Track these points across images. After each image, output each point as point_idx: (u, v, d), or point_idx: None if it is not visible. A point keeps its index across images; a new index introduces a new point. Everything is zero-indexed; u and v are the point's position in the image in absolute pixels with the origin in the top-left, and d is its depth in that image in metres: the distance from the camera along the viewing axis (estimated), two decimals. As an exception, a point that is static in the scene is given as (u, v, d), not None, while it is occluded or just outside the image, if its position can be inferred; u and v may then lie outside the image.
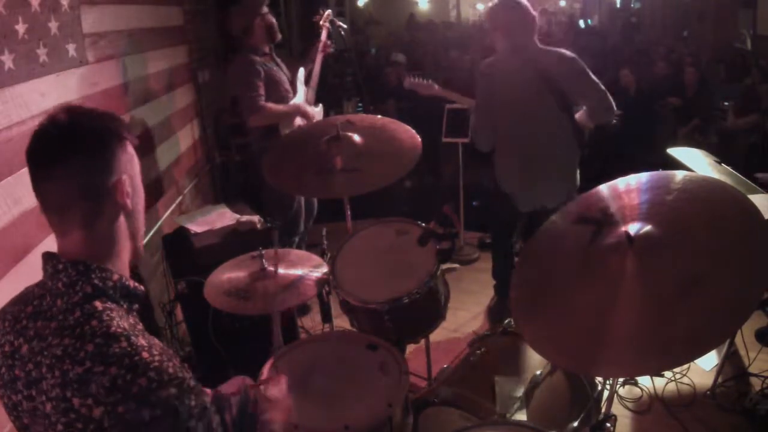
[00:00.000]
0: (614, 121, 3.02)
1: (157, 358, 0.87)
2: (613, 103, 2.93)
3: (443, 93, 3.64)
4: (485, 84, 3.05)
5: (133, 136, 1.04)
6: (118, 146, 0.99)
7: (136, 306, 1.02)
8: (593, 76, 2.90)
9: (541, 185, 3.02)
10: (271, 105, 3.25)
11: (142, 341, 0.89)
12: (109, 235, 1.00)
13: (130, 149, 1.03)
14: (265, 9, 3.36)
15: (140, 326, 0.95)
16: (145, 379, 0.84)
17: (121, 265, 1.02)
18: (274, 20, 3.39)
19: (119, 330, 0.89)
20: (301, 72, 3.57)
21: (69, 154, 0.94)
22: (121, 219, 1.01)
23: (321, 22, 3.66)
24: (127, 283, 1.00)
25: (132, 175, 1.02)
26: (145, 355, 0.86)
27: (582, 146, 3.08)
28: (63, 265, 0.95)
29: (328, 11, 3.69)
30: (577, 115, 3.05)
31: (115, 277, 0.98)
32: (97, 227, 0.98)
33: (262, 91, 3.22)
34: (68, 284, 0.94)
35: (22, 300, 0.99)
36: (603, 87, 2.90)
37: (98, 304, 0.93)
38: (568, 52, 2.95)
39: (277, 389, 1.39)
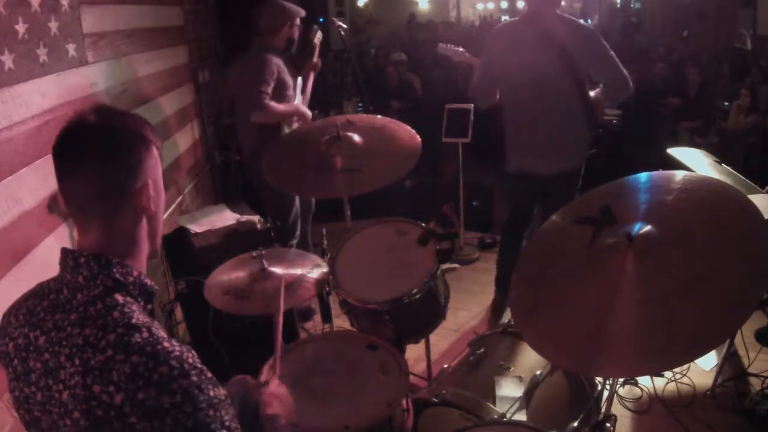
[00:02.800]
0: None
1: (177, 348, 0.89)
2: (629, 84, 2.90)
3: (473, 60, 3.64)
4: (489, 45, 3.15)
5: (158, 139, 1.04)
6: (144, 150, 1.00)
7: (150, 306, 1.03)
8: (611, 53, 2.87)
9: (541, 151, 3.00)
10: (274, 104, 3.25)
11: (162, 333, 0.91)
12: (129, 235, 1.00)
13: (156, 153, 1.03)
14: (298, 21, 3.41)
15: (157, 322, 0.95)
16: (166, 367, 0.85)
17: (140, 264, 1.03)
18: (297, 34, 3.44)
19: (140, 321, 0.91)
20: (299, 81, 3.62)
21: (94, 153, 0.94)
22: (143, 221, 1.02)
23: (315, 41, 3.67)
24: (144, 280, 1.01)
25: (156, 179, 1.03)
26: (166, 344, 0.88)
27: (594, 125, 3.04)
28: (85, 259, 0.95)
29: (319, 33, 3.70)
30: (594, 93, 3.02)
31: (135, 273, 0.99)
32: (117, 226, 0.98)
33: (270, 91, 3.23)
34: (89, 277, 0.95)
35: (37, 294, 1.00)
36: (620, 66, 2.87)
37: (119, 297, 0.94)
38: (587, 24, 2.91)
39: (280, 387, 1.39)
